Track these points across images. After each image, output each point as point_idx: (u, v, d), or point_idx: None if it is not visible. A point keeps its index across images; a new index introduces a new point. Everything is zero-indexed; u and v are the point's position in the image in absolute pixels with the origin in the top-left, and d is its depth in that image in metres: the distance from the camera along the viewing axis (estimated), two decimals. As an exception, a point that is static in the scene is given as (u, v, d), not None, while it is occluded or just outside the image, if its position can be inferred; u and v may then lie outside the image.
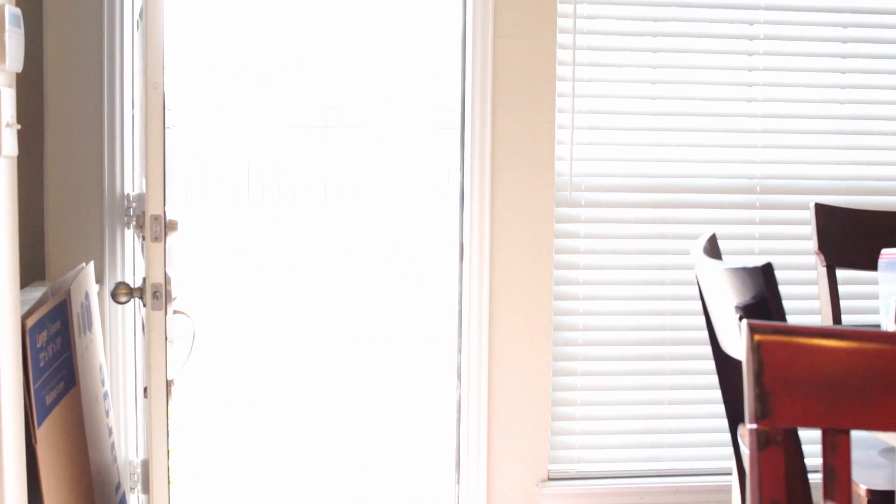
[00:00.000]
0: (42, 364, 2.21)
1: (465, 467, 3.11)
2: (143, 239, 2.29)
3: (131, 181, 2.96)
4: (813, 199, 3.07)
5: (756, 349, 1.11)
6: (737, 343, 1.65)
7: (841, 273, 2.77)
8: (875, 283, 3.09)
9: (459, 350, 3.12)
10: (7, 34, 1.85)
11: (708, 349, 1.94)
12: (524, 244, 3.06)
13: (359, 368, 6.11)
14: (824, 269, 2.56)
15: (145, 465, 2.61)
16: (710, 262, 1.73)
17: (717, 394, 2.35)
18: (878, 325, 2.14)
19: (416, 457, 4.35)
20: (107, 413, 2.79)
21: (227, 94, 7.86)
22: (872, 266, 2.36)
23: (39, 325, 2.22)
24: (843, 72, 3.20)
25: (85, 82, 2.87)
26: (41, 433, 2.17)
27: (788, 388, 1.11)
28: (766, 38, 3.16)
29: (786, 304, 1.55)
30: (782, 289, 1.55)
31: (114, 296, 2.41)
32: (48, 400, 2.24)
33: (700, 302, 1.90)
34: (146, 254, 2.27)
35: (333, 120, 7.92)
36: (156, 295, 2.23)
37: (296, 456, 4.34)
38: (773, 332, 1.10)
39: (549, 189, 3.07)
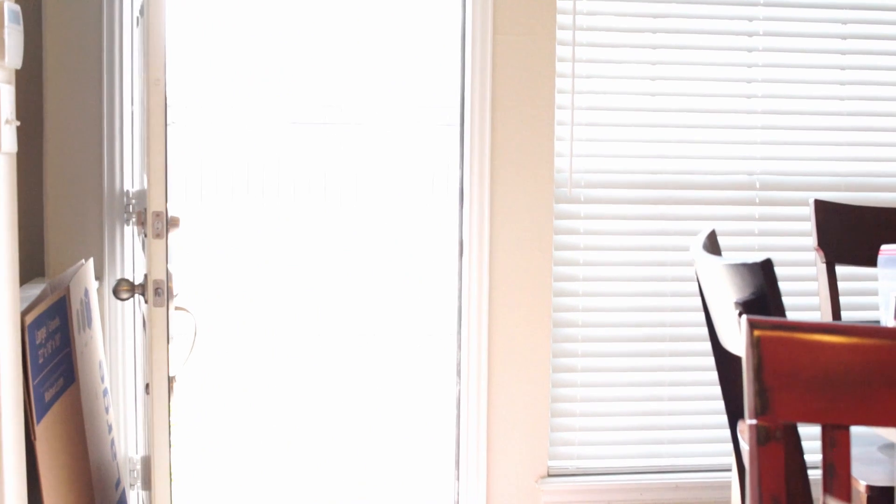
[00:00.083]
0: (41, 361, 2.21)
1: (464, 463, 3.11)
2: (145, 235, 2.29)
3: (131, 178, 2.96)
4: (813, 196, 3.06)
5: (756, 345, 1.11)
6: (736, 339, 1.65)
7: (840, 269, 2.76)
8: (875, 279, 3.09)
9: (459, 346, 3.12)
10: (6, 30, 1.85)
11: (707, 345, 1.94)
12: (524, 240, 3.06)
13: (358, 364, 6.11)
14: (824, 265, 2.56)
15: (145, 462, 2.61)
16: (709, 258, 1.73)
17: (717, 390, 2.35)
18: (878, 322, 2.14)
19: (416, 453, 4.36)
20: (106, 410, 2.79)
21: (227, 91, 7.86)
22: (872, 262, 2.35)
23: (38, 321, 2.21)
24: (842, 68, 3.20)
25: (84, 79, 2.86)
26: (40, 430, 2.17)
27: (788, 383, 1.11)
28: (766, 34, 3.15)
29: (785, 300, 1.54)
30: (782, 285, 1.54)
31: (115, 292, 2.41)
32: (47, 396, 2.24)
33: (700, 298, 1.90)
34: (148, 250, 2.27)
35: (333, 117, 7.92)
36: (158, 291, 2.23)
37: (295, 452, 4.34)
38: (772, 327, 1.10)
39: (548, 185, 3.07)
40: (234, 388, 5.53)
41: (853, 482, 2.00)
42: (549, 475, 3.14)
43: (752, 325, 1.11)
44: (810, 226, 2.59)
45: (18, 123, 1.96)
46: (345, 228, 7.77)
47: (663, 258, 3.16)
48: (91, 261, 2.80)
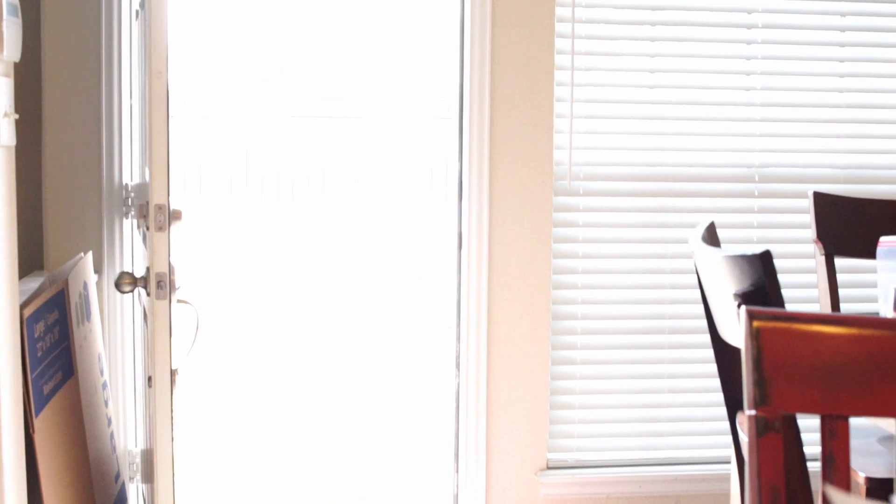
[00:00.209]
0: (40, 354, 2.21)
1: (463, 456, 3.11)
2: (148, 229, 2.29)
3: (129, 171, 2.96)
4: (811, 188, 3.07)
5: (755, 335, 1.11)
6: (735, 330, 1.65)
7: (839, 261, 2.77)
8: (873, 271, 3.09)
9: (458, 340, 3.13)
10: (5, 23, 1.84)
11: (707, 337, 1.94)
12: (523, 233, 3.06)
13: (357, 357, 6.11)
14: (823, 257, 2.56)
15: (146, 455, 2.61)
16: (708, 250, 1.73)
17: (716, 382, 2.36)
18: (877, 313, 2.14)
19: (415, 446, 4.36)
20: (106, 403, 2.79)
21: (226, 84, 7.86)
22: (871, 254, 2.36)
23: (37, 314, 2.21)
24: (841, 60, 3.19)
25: (83, 72, 2.86)
26: (39, 423, 2.17)
27: (787, 374, 1.11)
28: (765, 26, 3.15)
29: (784, 292, 1.54)
30: (781, 277, 1.54)
31: (118, 285, 2.41)
32: (46, 390, 2.24)
33: (699, 290, 1.90)
34: (150, 243, 2.27)
35: (332, 110, 7.92)
36: (160, 284, 2.23)
37: (295, 443, 4.35)
38: (771, 318, 1.10)
39: (547, 178, 3.07)
40: (233, 381, 5.53)
41: (852, 474, 2.00)
42: (549, 468, 3.14)
43: (752, 316, 1.11)
44: (809, 218, 2.60)
45: (17, 116, 1.96)
46: (343, 222, 7.76)
47: (662, 251, 3.16)
48: (90, 254, 2.80)
